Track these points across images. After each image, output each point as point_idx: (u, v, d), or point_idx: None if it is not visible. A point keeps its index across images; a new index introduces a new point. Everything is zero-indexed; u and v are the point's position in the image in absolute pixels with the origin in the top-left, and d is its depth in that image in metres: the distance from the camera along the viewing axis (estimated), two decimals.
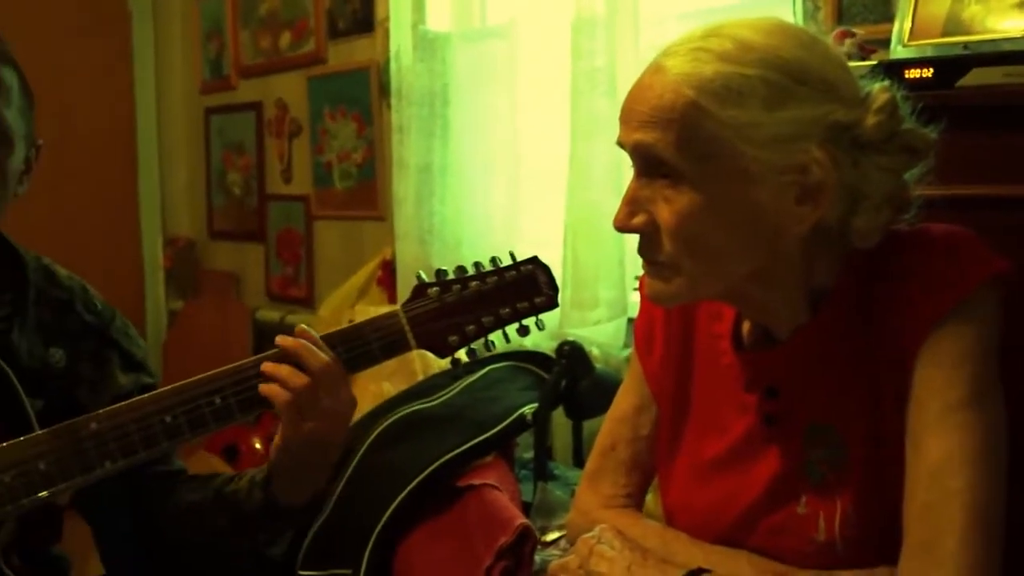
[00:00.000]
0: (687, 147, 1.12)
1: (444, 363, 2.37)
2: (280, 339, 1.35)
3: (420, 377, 2.42)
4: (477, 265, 1.46)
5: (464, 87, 2.87)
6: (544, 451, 2.23)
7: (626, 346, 2.48)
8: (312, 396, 1.30)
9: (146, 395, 1.31)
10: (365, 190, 3.37)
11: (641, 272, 1.28)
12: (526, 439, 2.34)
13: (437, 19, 3.02)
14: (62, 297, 1.50)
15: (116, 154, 4.17)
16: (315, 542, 2.09)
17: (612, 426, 1.43)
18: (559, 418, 2.36)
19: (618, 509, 1.37)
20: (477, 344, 1.45)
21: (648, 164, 1.16)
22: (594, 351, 2.41)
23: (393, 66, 2.98)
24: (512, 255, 1.47)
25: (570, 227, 2.38)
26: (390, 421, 2.17)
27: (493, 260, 1.46)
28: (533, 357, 2.41)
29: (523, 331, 1.46)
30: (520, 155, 2.81)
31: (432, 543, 1.97)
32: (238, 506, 1.46)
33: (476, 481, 2.02)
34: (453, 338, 1.41)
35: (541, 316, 1.47)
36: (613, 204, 2.25)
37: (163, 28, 4.31)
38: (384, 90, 3.23)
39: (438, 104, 2.90)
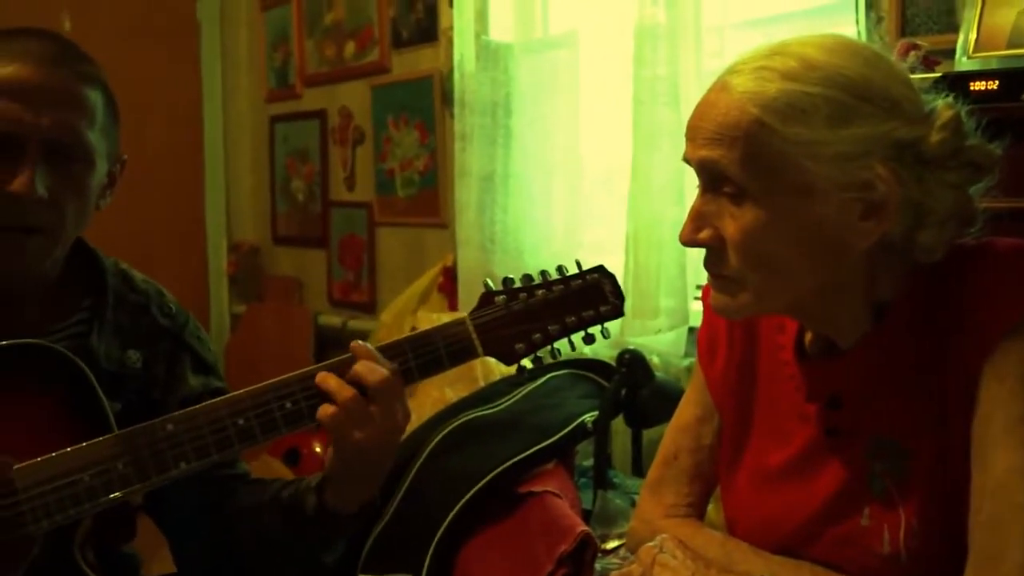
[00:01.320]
0: (752, 164, 1.13)
1: (505, 369, 2.43)
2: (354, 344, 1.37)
3: (481, 383, 2.44)
4: (543, 273, 1.47)
5: (526, 96, 2.90)
6: (604, 459, 2.24)
7: (687, 355, 2.49)
8: (363, 409, 1.32)
9: (220, 398, 1.34)
10: (427, 198, 3.41)
11: (703, 281, 1.29)
12: (585, 447, 2.35)
13: (499, 29, 3.06)
14: (139, 301, 1.54)
15: (184, 161, 4.25)
16: (376, 546, 2.11)
17: (674, 435, 1.44)
18: (618, 426, 2.37)
19: (680, 518, 1.38)
20: (543, 352, 1.46)
21: (713, 180, 1.18)
22: (654, 360, 2.42)
23: (456, 75, 3.01)
24: (578, 263, 1.48)
25: (632, 236, 2.39)
26: (452, 427, 2.19)
27: (559, 269, 1.47)
28: (593, 365, 2.42)
29: (588, 339, 1.48)
30: (581, 164, 2.83)
31: (493, 549, 1.98)
32: (292, 510, 1.48)
33: (537, 488, 2.03)
34: (519, 346, 1.43)
35: (606, 324, 1.49)
36: (675, 213, 2.32)
37: (230, 38, 4.38)
38: (447, 99, 3.26)
39: (500, 113, 2.93)
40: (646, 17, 2.35)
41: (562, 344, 1.48)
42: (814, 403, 1.26)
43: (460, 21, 2.99)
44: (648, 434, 2.55)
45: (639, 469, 2.52)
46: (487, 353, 1.43)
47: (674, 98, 2.32)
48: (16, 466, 1.26)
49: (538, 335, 1.44)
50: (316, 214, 3.98)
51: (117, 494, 1.28)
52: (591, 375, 2.40)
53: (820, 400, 1.25)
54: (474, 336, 1.41)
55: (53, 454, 1.27)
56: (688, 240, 1.21)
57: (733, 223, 1.16)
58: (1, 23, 1.43)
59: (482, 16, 3.02)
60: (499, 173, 2.93)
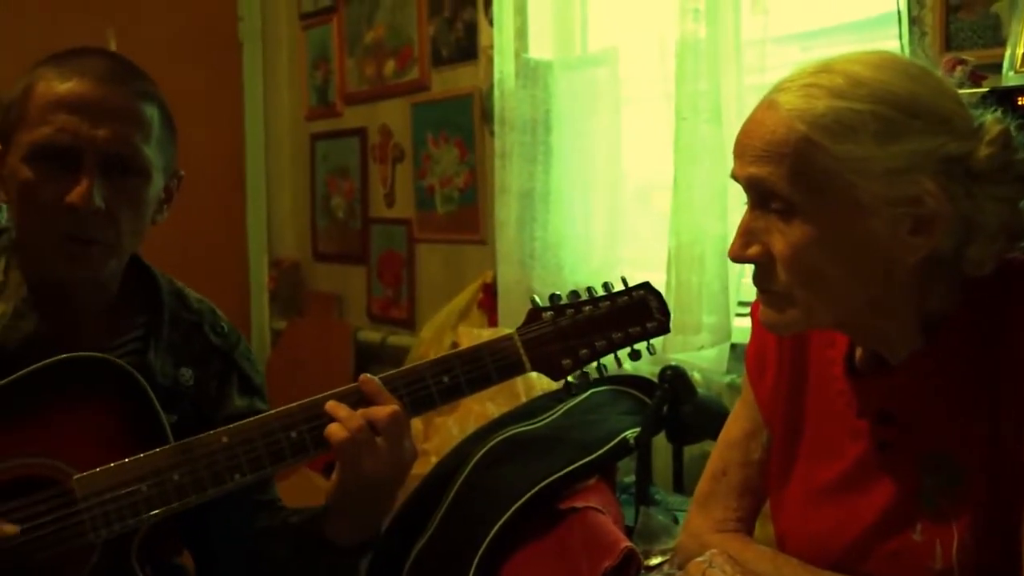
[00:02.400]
0: (800, 181, 1.14)
1: (547, 384, 2.44)
2: (361, 379, 1.39)
3: (523, 399, 2.45)
4: (590, 290, 1.49)
5: (566, 113, 2.91)
6: (646, 475, 2.24)
7: (729, 372, 2.48)
8: (370, 439, 1.33)
9: (272, 412, 1.36)
10: (466, 214, 3.42)
11: (746, 298, 1.30)
12: (626, 463, 2.35)
13: (539, 47, 3.07)
14: (192, 319, 1.57)
15: (225, 179, 4.29)
16: (418, 560, 2.12)
17: (723, 450, 1.45)
18: (659, 443, 2.37)
19: (729, 533, 1.38)
20: (589, 368, 1.47)
21: (762, 197, 1.19)
22: (696, 376, 2.42)
23: (496, 93, 3.02)
24: (624, 280, 1.50)
25: (673, 252, 2.39)
26: (494, 442, 2.19)
27: (605, 285, 1.49)
28: (635, 381, 2.42)
29: (635, 355, 1.49)
30: (622, 181, 2.84)
31: (535, 565, 1.98)
32: (298, 538, 1.50)
33: (579, 504, 2.04)
34: (566, 361, 1.44)
35: (652, 341, 1.50)
36: (717, 229, 2.32)
37: (271, 57, 4.43)
38: (486, 116, 3.28)
39: (540, 130, 2.94)
40: (687, 33, 2.35)
41: (608, 360, 1.49)
42: (865, 419, 1.26)
43: (500, 39, 3.01)
44: (689, 451, 2.55)
45: (680, 486, 2.52)
46: (535, 368, 1.44)
47: (716, 114, 2.32)
48: (76, 476, 1.29)
49: (585, 351, 1.45)
50: (356, 231, 4.01)
51: (174, 504, 1.30)
52: (633, 391, 2.40)
53: (871, 416, 1.25)
54: (522, 352, 1.42)
55: (112, 464, 1.30)
56: (737, 256, 1.21)
57: (782, 239, 1.17)
58: (50, 44, 1.47)
59: (522, 34, 3.04)
60: (539, 190, 2.94)
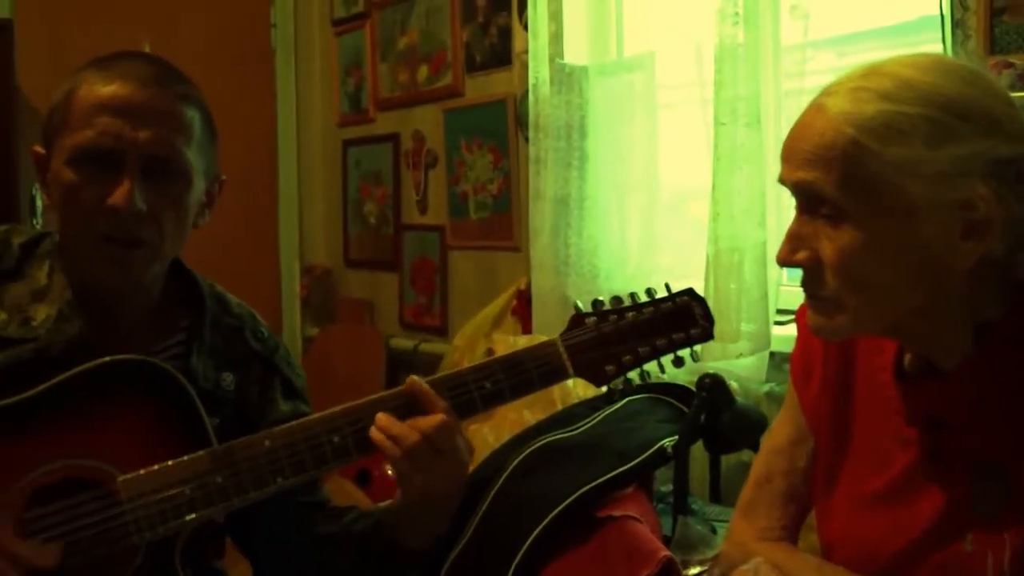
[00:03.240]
0: (849, 185, 1.13)
1: (584, 392, 2.42)
2: (409, 382, 1.38)
3: (559, 406, 2.43)
4: (633, 296, 1.48)
5: (601, 119, 2.89)
6: (684, 484, 2.22)
7: (767, 380, 2.46)
8: (426, 454, 1.33)
9: (315, 415, 1.36)
10: (500, 221, 3.41)
11: (785, 306, 1.28)
12: (662, 472, 2.33)
13: (574, 52, 3.06)
14: (233, 324, 1.57)
15: (258, 185, 4.30)
16: (453, 570, 2.11)
17: (768, 457, 1.43)
18: (696, 452, 2.35)
19: (773, 542, 1.37)
20: (633, 374, 1.46)
21: (810, 201, 1.18)
22: (733, 384, 2.39)
23: (531, 99, 3.01)
24: (667, 286, 1.50)
25: (712, 259, 2.37)
26: (530, 450, 2.18)
27: (649, 291, 1.49)
28: (672, 389, 2.40)
29: (678, 362, 1.48)
30: (658, 187, 2.82)
31: (572, 574, 1.97)
32: (364, 545, 1.51)
33: (617, 512, 2.02)
34: (610, 367, 1.43)
35: (695, 347, 1.49)
36: (756, 236, 2.30)
37: (304, 64, 4.43)
38: (520, 122, 3.27)
39: (575, 136, 2.93)
40: (726, 37, 2.33)
41: (651, 367, 1.48)
42: (914, 426, 1.24)
43: (535, 44, 3.00)
44: (727, 460, 2.53)
45: (717, 495, 2.50)
46: (578, 374, 1.43)
47: (755, 119, 2.30)
48: (121, 478, 1.29)
49: (628, 357, 1.44)
50: (388, 237, 4.01)
51: (217, 507, 1.30)
52: (670, 399, 2.38)
53: (920, 423, 1.23)
54: (565, 357, 1.42)
55: (156, 467, 1.30)
56: (785, 261, 1.20)
57: (831, 244, 1.15)
58: (86, 53, 1.48)
59: (557, 39, 3.03)
60: (573, 196, 2.93)
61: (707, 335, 1.48)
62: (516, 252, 3.34)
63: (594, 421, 2.29)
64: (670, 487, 2.34)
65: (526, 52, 3.12)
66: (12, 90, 3.46)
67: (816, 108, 1.17)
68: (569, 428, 2.26)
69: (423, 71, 3.76)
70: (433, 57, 3.70)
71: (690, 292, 1.48)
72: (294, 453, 1.33)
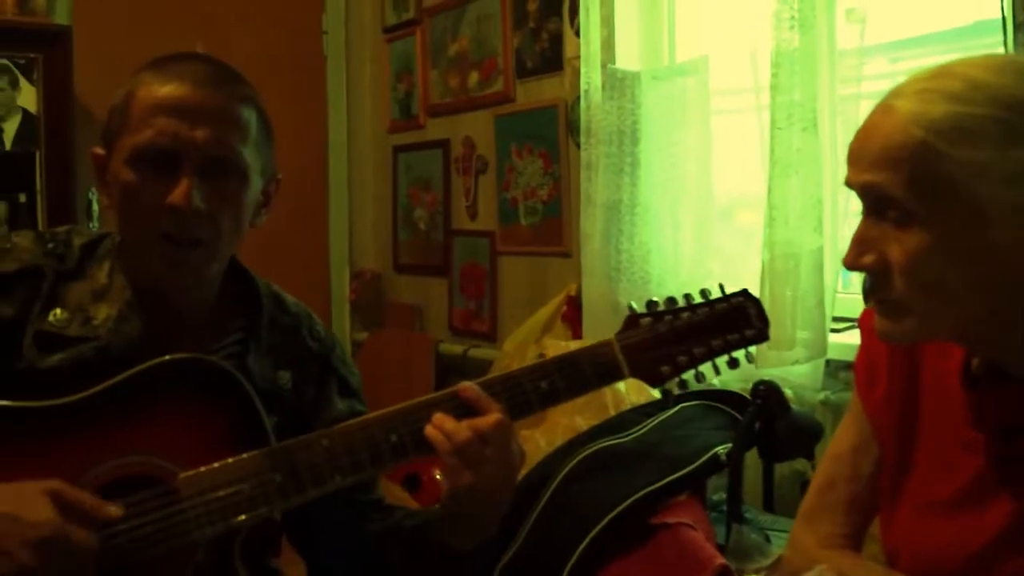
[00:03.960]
0: (917, 187, 1.11)
1: (636, 398, 2.41)
2: (461, 387, 1.38)
3: (611, 412, 2.42)
4: (687, 296, 1.48)
5: (653, 124, 2.88)
6: (738, 492, 2.19)
7: (823, 388, 2.43)
8: (478, 452, 1.32)
9: (372, 414, 1.36)
10: (550, 226, 3.40)
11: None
12: (713, 480, 2.31)
13: (625, 58, 3.05)
14: (290, 323, 1.58)
15: (308, 190, 4.32)
16: (506, 573, 2.10)
17: (831, 464, 1.41)
18: (748, 460, 2.32)
19: (837, 549, 1.34)
20: (688, 375, 1.45)
21: (878, 204, 1.16)
22: (787, 392, 2.37)
23: (582, 104, 3.01)
24: (721, 287, 1.49)
25: (767, 265, 2.35)
26: (583, 455, 2.17)
27: (703, 292, 1.48)
28: (725, 396, 2.38)
29: (733, 363, 1.47)
30: (711, 193, 2.80)
31: None
32: (414, 543, 1.51)
33: (670, 519, 2.01)
34: (665, 368, 1.43)
35: (750, 348, 1.47)
36: (812, 241, 2.27)
37: (355, 70, 4.45)
38: (571, 128, 3.27)
39: (627, 142, 2.92)
40: (782, 42, 2.31)
41: (706, 368, 1.47)
42: (983, 432, 1.21)
43: (586, 50, 2.99)
44: (780, 469, 2.50)
45: (770, 504, 2.47)
46: (633, 374, 1.43)
47: (811, 123, 2.28)
48: (181, 475, 1.29)
49: (683, 357, 1.44)
50: (438, 243, 4.01)
51: (275, 504, 1.30)
52: (723, 406, 2.36)
53: (990, 429, 1.20)
54: (620, 357, 1.41)
55: (216, 464, 1.30)
56: (852, 265, 1.19)
57: (898, 247, 1.14)
58: (142, 57, 1.49)
59: (608, 45, 3.02)
60: (625, 202, 2.92)
61: (762, 336, 1.47)
62: (566, 258, 3.33)
63: (647, 427, 2.27)
64: (722, 495, 2.32)
65: (577, 57, 3.11)
66: (70, 96, 3.52)
67: (884, 109, 1.16)
68: (622, 434, 2.25)
69: (474, 77, 3.76)
70: (484, 63, 3.70)
71: (744, 293, 1.48)
72: (352, 452, 1.33)
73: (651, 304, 1.46)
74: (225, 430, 1.33)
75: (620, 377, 1.42)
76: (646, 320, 1.44)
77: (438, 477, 3.43)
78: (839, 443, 1.41)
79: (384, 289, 4.36)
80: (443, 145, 3.96)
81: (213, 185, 1.38)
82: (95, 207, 3.62)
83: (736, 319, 1.45)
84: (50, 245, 1.45)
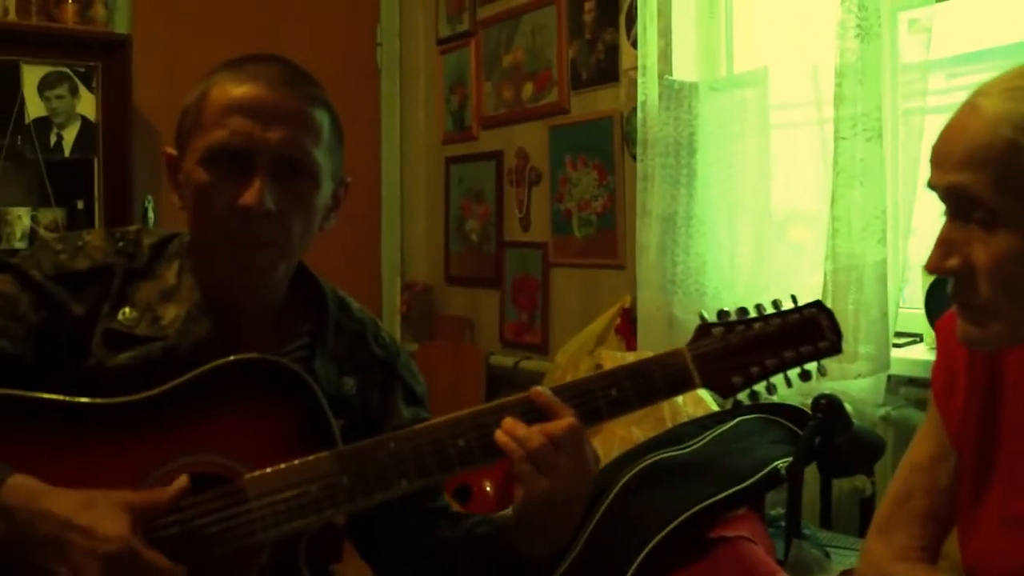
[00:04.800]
0: (1006, 187, 1.09)
1: (693, 411, 2.38)
2: (532, 392, 1.35)
3: (669, 424, 2.39)
4: (759, 307, 1.45)
5: (711, 135, 2.86)
6: (797, 507, 2.16)
7: (884, 404, 2.39)
8: (551, 458, 1.30)
9: (440, 419, 1.35)
10: (604, 239, 3.39)
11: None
12: (771, 496, 2.27)
13: (682, 69, 3.04)
14: (356, 329, 1.56)
15: (361, 202, 4.33)
16: None
17: (907, 475, 1.37)
18: (806, 476, 2.29)
19: (912, 562, 1.31)
20: (759, 387, 1.43)
21: (962, 206, 1.14)
22: (847, 407, 2.33)
23: (639, 115, 3.00)
24: (793, 298, 1.46)
25: (829, 277, 2.32)
26: (640, 467, 2.14)
27: (775, 303, 1.45)
28: (784, 410, 2.35)
29: (805, 376, 1.44)
30: (769, 205, 2.77)
31: None
32: (485, 550, 1.48)
33: (730, 533, 1.98)
34: (737, 379, 1.40)
35: (822, 361, 1.45)
36: (876, 254, 2.24)
37: (408, 82, 4.47)
38: (627, 139, 3.25)
39: (684, 153, 2.90)
40: (847, 51, 2.29)
41: (777, 380, 1.44)
42: None
43: (644, 61, 2.98)
44: (838, 485, 2.47)
45: (828, 521, 2.44)
46: (704, 385, 1.40)
47: (876, 133, 2.25)
48: (247, 475, 1.29)
49: (755, 368, 1.41)
50: (490, 254, 4.00)
51: (342, 507, 1.29)
52: (782, 420, 2.33)
53: None
54: (692, 367, 1.38)
55: (282, 465, 1.29)
56: (935, 268, 1.16)
57: (984, 250, 1.11)
58: (199, 68, 1.49)
59: (666, 56, 3.01)
60: (681, 214, 2.90)
61: (835, 349, 1.43)
62: (620, 270, 3.31)
63: (705, 440, 2.24)
64: (780, 511, 2.29)
65: (634, 69, 3.11)
66: (128, 103, 3.55)
67: (969, 109, 1.13)
68: (679, 447, 2.22)
69: (528, 88, 3.76)
70: (538, 74, 3.70)
71: (818, 304, 1.44)
72: (419, 456, 1.32)
73: (722, 314, 1.43)
74: (292, 431, 1.32)
75: (692, 387, 1.39)
76: (718, 330, 1.41)
77: (488, 489, 3.42)
78: (916, 453, 1.38)
79: (435, 301, 4.36)
80: (496, 156, 3.96)
81: (285, 187, 1.38)
82: (151, 215, 3.65)
83: (809, 331, 1.41)
84: (120, 244, 1.45)
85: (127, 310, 1.41)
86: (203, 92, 1.42)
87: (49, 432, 1.28)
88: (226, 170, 1.36)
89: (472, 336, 4.10)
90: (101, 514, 1.16)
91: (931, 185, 1.17)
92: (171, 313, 1.41)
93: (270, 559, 1.29)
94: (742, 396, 1.42)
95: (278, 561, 1.30)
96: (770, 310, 1.44)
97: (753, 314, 1.43)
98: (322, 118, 1.43)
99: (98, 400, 1.30)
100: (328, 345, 1.50)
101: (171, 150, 1.47)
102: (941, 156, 1.15)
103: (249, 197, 1.34)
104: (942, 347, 1.36)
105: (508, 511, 1.48)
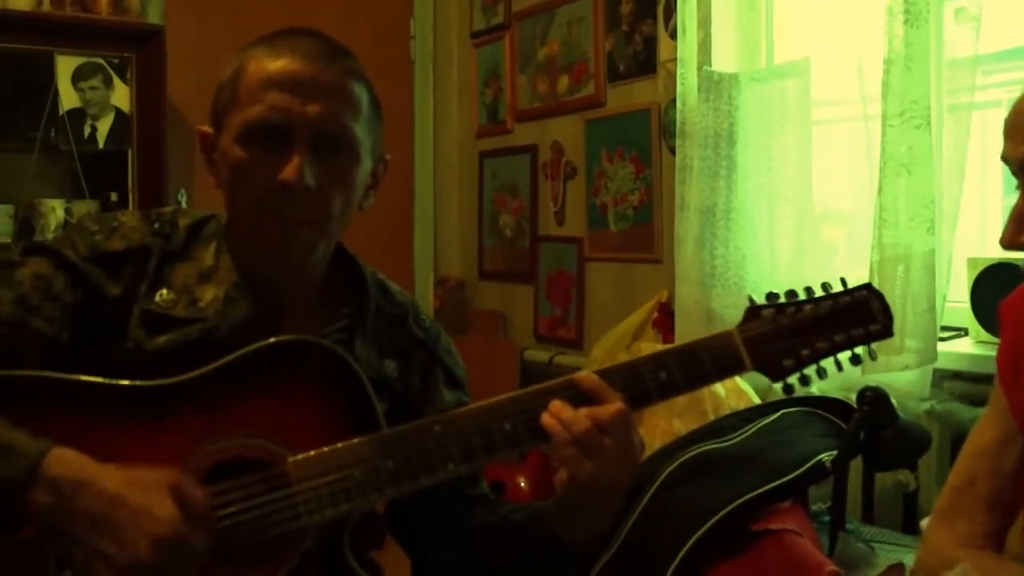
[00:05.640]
0: None
1: (735, 403, 2.35)
2: (578, 376, 1.33)
3: (711, 417, 2.36)
4: (808, 289, 1.42)
5: (751, 127, 2.82)
6: (842, 501, 2.12)
7: (930, 397, 2.34)
8: (597, 442, 1.27)
9: (483, 402, 1.32)
10: (641, 232, 3.35)
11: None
12: (813, 490, 2.23)
13: (722, 60, 3.00)
14: (396, 312, 1.53)
15: (394, 196, 4.30)
16: None
17: (970, 461, 1.33)
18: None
19: (976, 549, 1.27)
20: (809, 370, 1.39)
21: None
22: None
23: (678, 107, 2.96)
24: (843, 281, 1.43)
25: (875, 267, 2.27)
26: (683, 459, 2.11)
27: (824, 285, 1.42)
28: (827, 403, 2.30)
29: (855, 360, 1.41)
30: (811, 198, 2.72)
31: None
32: (522, 536, 1.45)
33: (775, 526, 1.94)
34: (788, 361, 1.36)
35: (872, 345, 1.41)
36: (924, 244, 2.19)
37: (442, 75, 4.45)
38: (664, 132, 3.21)
39: (723, 145, 2.86)
40: (895, 38, 2.24)
41: (827, 364, 1.41)
42: None
43: (683, 52, 2.94)
44: (880, 479, 2.42)
45: (870, 515, 2.40)
46: (755, 367, 1.36)
47: (925, 120, 2.20)
48: (291, 459, 1.26)
49: (806, 351, 1.38)
50: (524, 249, 3.97)
51: (387, 491, 1.26)
52: (825, 413, 2.29)
53: None
54: (742, 349, 1.35)
55: (326, 449, 1.26)
56: (1010, 243, 1.13)
57: None
58: (233, 56, 1.46)
59: (705, 47, 2.97)
60: (720, 207, 2.86)
61: (886, 332, 1.40)
62: (657, 264, 3.27)
63: (748, 433, 2.21)
64: (821, 506, 2.25)
65: (672, 60, 3.07)
66: (162, 95, 3.55)
67: None
68: (722, 439, 2.19)
69: (563, 81, 3.73)
70: (574, 67, 3.66)
71: (868, 287, 1.41)
72: (464, 439, 1.29)
73: (771, 296, 1.40)
74: (334, 415, 1.29)
75: (741, 370, 1.36)
76: (767, 312, 1.38)
77: (522, 485, 3.39)
78: (979, 439, 1.34)
79: (468, 296, 4.33)
80: (531, 150, 3.93)
81: (324, 162, 1.35)
82: (184, 207, 3.64)
83: (860, 313, 1.38)
84: (156, 224, 1.42)
85: (164, 292, 1.38)
86: (239, 67, 1.39)
87: (89, 414, 1.26)
88: (264, 146, 1.34)
89: (505, 331, 4.07)
90: (150, 495, 1.14)
91: (1004, 158, 1.13)
92: (209, 294, 1.39)
93: (313, 544, 1.26)
94: (792, 380, 1.39)
95: (322, 547, 1.27)
96: (819, 293, 1.42)
97: (802, 296, 1.40)
98: (361, 92, 1.40)
99: (138, 383, 1.28)
100: (368, 327, 1.47)
101: (206, 128, 1.44)
102: (1015, 128, 1.11)
103: (289, 173, 1.31)
104: (1007, 331, 1.33)
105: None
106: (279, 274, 1.41)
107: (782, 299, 1.40)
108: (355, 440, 1.27)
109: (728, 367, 1.36)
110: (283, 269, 1.40)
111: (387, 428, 1.30)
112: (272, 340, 1.30)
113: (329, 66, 1.37)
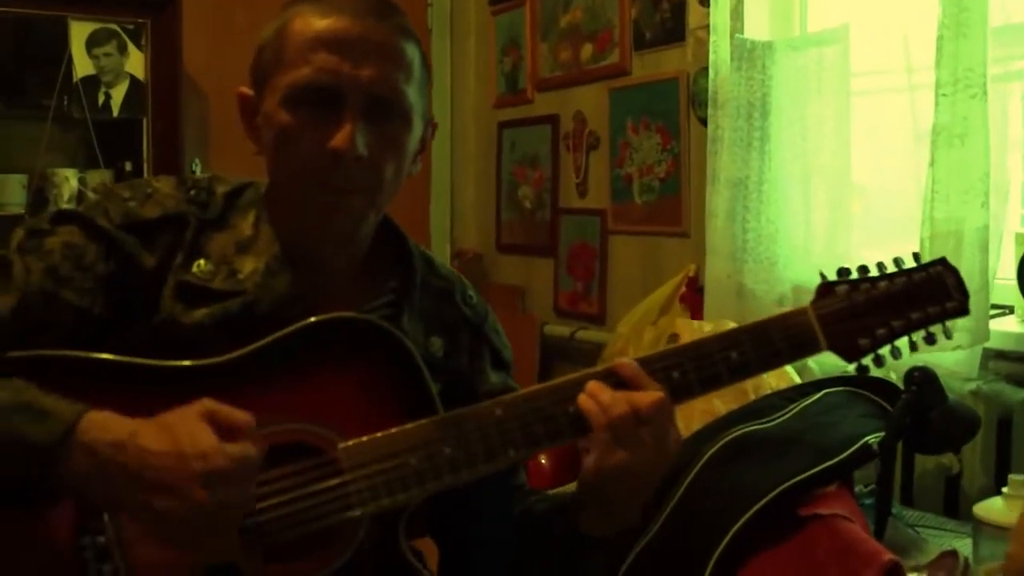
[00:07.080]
0: None
1: (775, 383, 2.27)
2: (618, 363, 1.26)
3: (751, 397, 2.28)
4: (880, 265, 1.36)
5: (785, 97, 2.74)
6: (889, 484, 2.05)
7: (978, 378, 2.27)
8: (632, 430, 1.20)
9: (540, 385, 1.25)
10: (668, 205, 3.26)
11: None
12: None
13: (754, 27, 2.90)
14: (443, 287, 1.46)
15: None
16: (639, 561, 1.98)
17: None
18: None
19: None
20: (883, 351, 1.32)
21: None
22: None
23: (710, 75, 2.87)
24: (916, 256, 1.37)
25: (926, 243, 2.19)
26: (724, 441, 2.04)
27: (896, 260, 1.36)
28: (871, 383, 2.23)
29: (930, 339, 1.34)
30: (849, 170, 2.64)
31: (777, 573, 1.82)
32: (543, 527, 1.39)
33: (823, 510, 1.87)
34: (864, 341, 1.31)
35: (947, 324, 1.35)
36: (977, 219, 2.10)
37: (459, 44, 4.35)
38: (693, 101, 3.12)
39: (756, 115, 2.78)
40: (949, 3, 2.15)
41: (902, 343, 1.35)
42: None
43: (715, 19, 2.85)
44: (921, 462, 2.37)
45: (909, 498, 2.34)
46: (830, 347, 1.31)
47: (981, 90, 2.11)
48: (341, 445, 1.18)
49: (882, 330, 1.32)
50: (544, 222, 3.88)
51: (445, 479, 1.19)
52: (869, 394, 2.22)
53: None
54: (817, 328, 1.29)
55: (379, 434, 1.19)
56: None
57: None
58: (248, 31, 1.38)
59: (737, 13, 2.88)
60: (752, 179, 2.78)
61: (963, 309, 1.36)
62: (684, 237, 3.19)
63: (790, 413, 2.13)
64: (861, 488, 2.18)
65: (702, 27, 2.99)
66: (178, 62, 3.47)
67: None
68: (764, 420, 2.11)
69: (587, 49, 3.63)
70: (598, 35, 3.57)
71: (943, 262, 1.36)
72: (526, 424, 1.22)
73: (843, 271, 1.34)
74: (386, 397, 1.22)
75: (816, 350, 1.30)
76: (841, 288, 1.32)
77: (543, 462, 3.32)
78: None
79: (486, 269, 4.25)
80: (552, 121, 3.83)
81: (377, 129, 1.27)
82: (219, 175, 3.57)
83: (935, 290, 1.33)
84: (192, 192, 1.35)
85: (202, 262, 1.30)
86: (283, 25, 1.31)
87: (130, 396, 1.18)
88: (312, 110, 1.26)
89: (524, 305, 4.00)
90: (183, 431, 1.07)
91: None
92: (249, 266, 1.31)
93: (368, 535, 1.19)
94: (867, 361, 1.33)
95: (378, 537, 1.20)
96: (891, 268, 1.35)
97: (874, 272, 1.34)
98: (413, 53, 1.33)
99: (183, 363, 1.21)
100: (415, 303, 1.39)
101: (246, 90, 1.36)
102: None
103: (340, 140, 1.23)
104: None
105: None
106: (324, 246, 1.33)
107: (854, 275, 1.34)
108: (409, 425, 1.20)
109: (802, 347, 1.30)
110: (329, 240, 1.33)
111: (442, 411, 1.22)
112: (320, 317, 1.22)
113: (379, 24, 1.29)
